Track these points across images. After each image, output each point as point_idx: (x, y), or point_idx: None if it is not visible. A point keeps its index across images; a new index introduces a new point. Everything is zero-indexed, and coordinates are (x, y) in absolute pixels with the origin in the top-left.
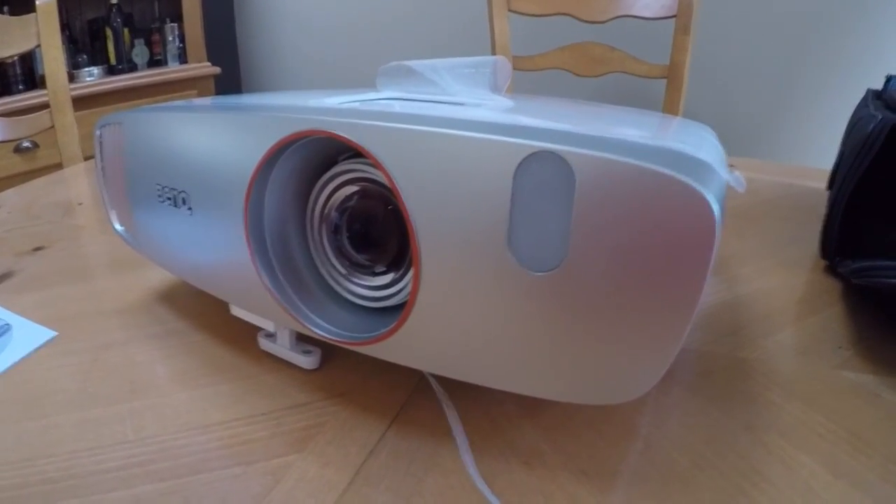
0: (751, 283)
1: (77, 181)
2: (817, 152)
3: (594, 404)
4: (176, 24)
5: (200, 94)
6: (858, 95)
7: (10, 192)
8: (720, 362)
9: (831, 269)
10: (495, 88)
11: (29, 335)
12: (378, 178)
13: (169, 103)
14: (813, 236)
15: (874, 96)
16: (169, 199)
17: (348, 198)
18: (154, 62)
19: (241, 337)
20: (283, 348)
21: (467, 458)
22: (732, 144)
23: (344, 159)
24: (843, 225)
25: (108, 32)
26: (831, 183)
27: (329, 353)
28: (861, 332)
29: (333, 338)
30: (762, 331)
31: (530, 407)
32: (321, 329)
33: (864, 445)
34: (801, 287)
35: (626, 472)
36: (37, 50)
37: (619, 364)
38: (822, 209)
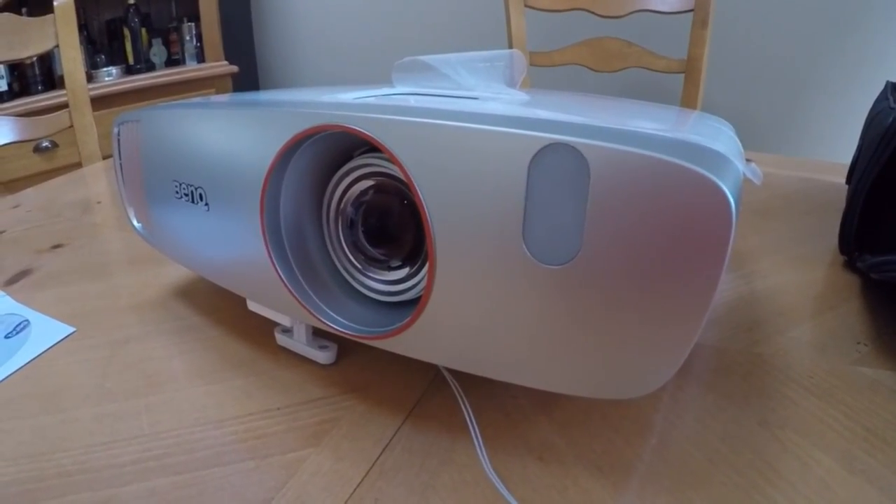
0: (768, 278)
1: (96, 180)
2: (837, 146)
3: (609, 399)
4: (193, 24)
5: (218, 93)
6: (878, 89)
7: (29, 190)
8: (736, 358)
9: (850, 264)
10: (510, 82)
11: (47, 331)
12: (393, 173)
13: (186, 100)
14: (831, 231)
15: (893, 89)
16: (186, 195)
17: (364, 192)
18: (172, 61)
19: (258, 332)
20: (299, 343)
21: (481, 452)
22: (751, 139)
23: (359, 154)
24: (862, 219)
25: (126, 32)
26: (850, 177)
27: (345, 348)
28: (879, 328)
29: (349, 332)
30: (779, 326)
31: (545, 402)
32: (337, 323)
33: (880, 442)
34: (818, 282)
35: (641, 468)
36: (55, 50)
37: (634, 358)
38: (840, 204)
